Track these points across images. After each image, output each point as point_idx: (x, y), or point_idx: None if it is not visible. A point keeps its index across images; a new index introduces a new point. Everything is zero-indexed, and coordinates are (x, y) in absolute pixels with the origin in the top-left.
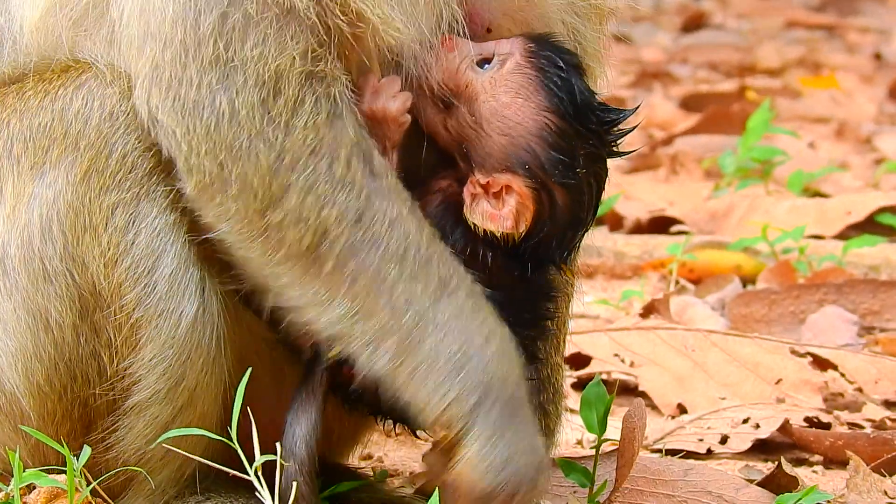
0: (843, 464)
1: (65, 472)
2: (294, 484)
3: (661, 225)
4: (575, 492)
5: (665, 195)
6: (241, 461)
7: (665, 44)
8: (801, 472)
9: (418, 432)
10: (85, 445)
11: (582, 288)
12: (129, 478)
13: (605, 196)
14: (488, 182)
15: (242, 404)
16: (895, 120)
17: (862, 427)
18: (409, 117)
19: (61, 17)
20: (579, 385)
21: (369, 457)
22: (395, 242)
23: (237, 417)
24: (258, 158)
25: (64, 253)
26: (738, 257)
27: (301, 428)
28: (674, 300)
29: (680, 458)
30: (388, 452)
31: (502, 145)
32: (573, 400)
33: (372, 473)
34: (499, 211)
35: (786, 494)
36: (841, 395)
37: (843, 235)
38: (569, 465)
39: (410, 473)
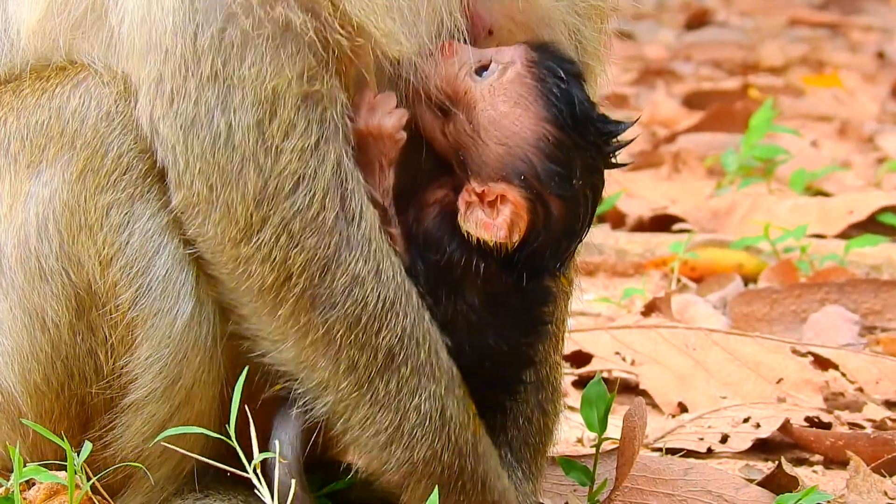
0: (843, 464)
1: (64, 468)
2: (293, 481)
3: (663, 223)
4: (575, 490)
5: (667, 193)
6: (239, 458)
7: (668, 41)
8: (802, 472)
9: None
10: (86, 441)
11: (582, 286)
12: (128, 475)
13: (607, 193)
14: (483, 191)
15: (240, 402)
16: None
17: (862, 427)
18: (404, 135)
19: (59, 21)
20: (580, 383)
21: None
22: (350, 307)
23: (235, 415)
24: (246, 186)
25: (60, 252)
26: (739, 256)
27: (286, 434)
28: (675, 298)
29: (680, 457)
30: None
31: (499, 154)
32: (574, 398)
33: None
34: (493, 220)
35: (786, 494)
36: (842, 394)
37: (845, 235)
38: (569, 464)
39: None
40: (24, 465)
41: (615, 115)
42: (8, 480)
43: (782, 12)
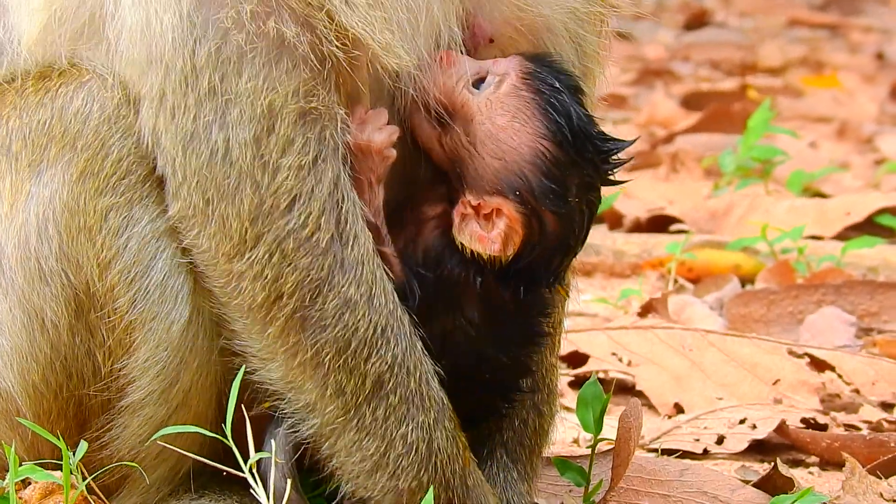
0: (839, 465)
1: (60, 468)
2: (288, 482)
3: (660, 224)
4: (570, 491)
5: (665, 194)
6: (235, 459)
7: (667, 41)
8: (798, 474)
9: None
10: (81, 441)
11: (579, 286)
12: (125, 475)
13: (604, 194)
14: (479, 204)
15: (236, 403)
16: None
17: (858, 429)
18: (394, 152)
19: (59, 34)
20: (576, 383)
21: None
22: (340, 331)
23: (231, 415)
24: (242, 202)
25: (59, 252)
26: (737, 257)
27: (280, 436)
28: (672, 299)
29: (676, 458)
30: None
31: (495, 169)
32: (570, 398)
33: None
34: (487, 233)
35: (782, 496)
36: (838, 396)
37: (842, 236)
38: (564, 464)
39: None
40: (21, 465)
41: (613, 115)
42: (4, 479)
43: (781, 13)
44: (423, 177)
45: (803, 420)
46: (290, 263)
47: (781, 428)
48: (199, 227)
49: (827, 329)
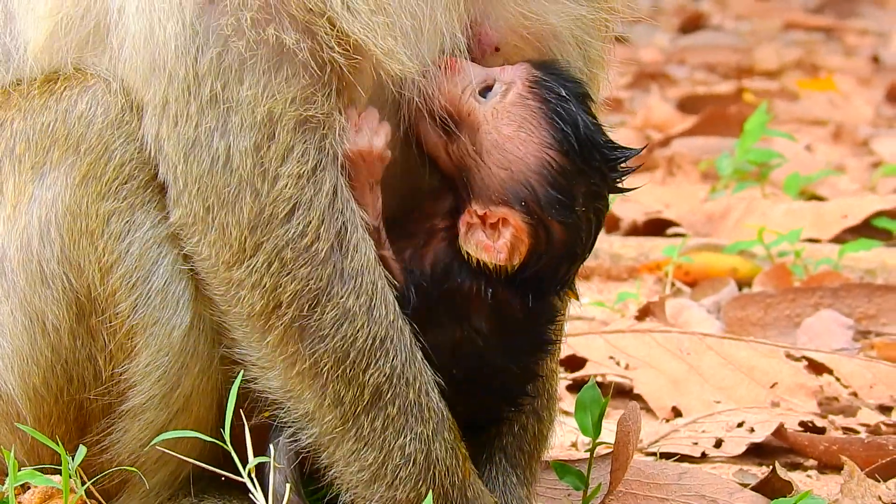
0: (837, 468)
1: (60, 472)
2: (287, 486)
3: (657, 227)
4: (569, 495)
5: (661, 197)
6: (235, 464)
7: (663, 44)
8: (796, 477)
9: None
10: (80, 445)
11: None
12: (124, 480)
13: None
14: (485, 213)
15: (236, 407)
16: (893, 123)
17: (857, 432)
18: (389, 153)
19: (65, 41)
20: (574, 387)
21: None
22: (339, 341)
23: (230, 420)
24: (242, 210)
25: (61, 256)
26: (734, 260)
27: (278, 445)
28: (669, 303)
29: (674, 461)
30: None
31: (501, 179)
32: (568, 402)
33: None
34: (493, 242)
35: (780, 499)
36: (836, 399)
37: (839, 239)
38: (563, 468)
39: None
40: (20, 469)
41: (609, 119)
42: (3, 484)
43: (777, 16)
44: (428, 184)
45: (801, 423)
46: (289, 273)
47: (779, 431)
48: (199, 235)
49: (824, 332)
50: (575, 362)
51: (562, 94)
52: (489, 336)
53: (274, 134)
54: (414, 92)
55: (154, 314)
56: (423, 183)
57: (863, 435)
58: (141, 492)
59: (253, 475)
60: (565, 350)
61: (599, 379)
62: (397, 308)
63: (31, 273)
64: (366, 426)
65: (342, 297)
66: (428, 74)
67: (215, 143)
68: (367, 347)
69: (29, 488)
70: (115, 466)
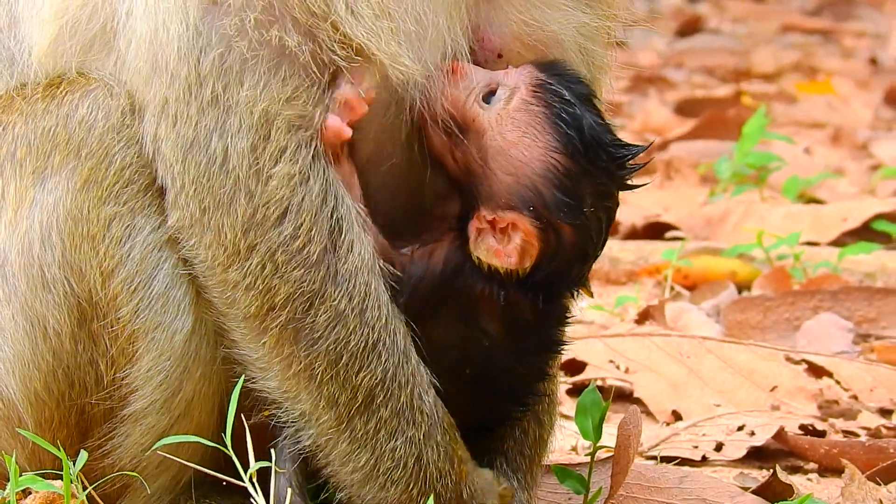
0: (838, 472)
1: (61, 477)
2: (288, 491)
3: (656, 231)
4: (570, 499)
5: (660, 201)
6: (236, 469)
7: (660, 48)
8: (797, 480)
9: None
10: (82, 450)
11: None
12: (126, 485)
13: None
14: (494, 218)
15: (237, 412)
16: (891, 125)
17: (857, 435)
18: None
19: (70, 45)
20: (574, 391)
21: None
22: (332, 344)
23: (231, 424)
24: (237, 211)
25: (62, 260)
26: (733, 263)
27: (282, 445)
28: (669, 306)
29: (675, 465)
30: None
31: (508, 184)
32: (568, 406)
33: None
34: (503, 247)
35: (781, 503)
36: (836, 402)
37: (838, 242)
38: (564, 472)
39: None
40: (22, 474)
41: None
42: (4, 489)
43: (774, 19)
44: (433, 187)
45: (801, 427)
46: (282, 276)
47: (780, 434)
48: (196, 237)
49: (824, 335)
50: (575, 366)
51: (566, 97)
52: (497, 337)
53: (269, 134)
54: (418, 96)
55: (156, 318)
56: (426, 186)
57: (863, 438)
58: (142, 496)
59: (254, 479)
60: (565, 354)
61: (599, 383)
62: (391, 309)
63: (32, 277)
64: (359, 428)
65: (335, 300)
66: (431, 79)
67: (213, 144)
68: (359, 351)
69: (30, 493)
70: (117, 471)
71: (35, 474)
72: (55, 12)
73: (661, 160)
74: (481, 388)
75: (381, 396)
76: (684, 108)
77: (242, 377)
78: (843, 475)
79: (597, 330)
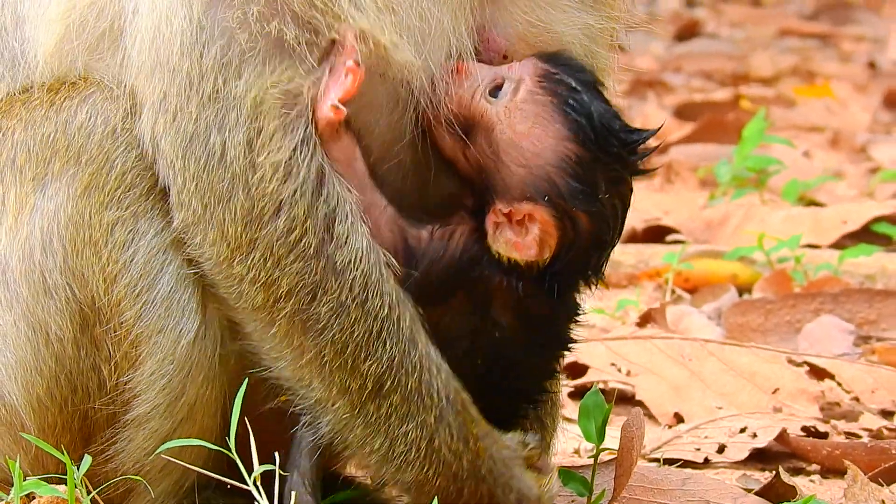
0: (840, 473)
1: (65, 482)
2: (293, 493)
3: (656, 234)
4: (573, 501)
5: (660, 204)
6: (240, 472)
7: (659, 52)
8: (799, 482)
9: None
10: (85, 455)
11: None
12: (129, 489)
13: None
14: (510, 211)
15: (241, 415)
16: (890, 129)
17: (859, 436)
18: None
19: (77, 44)
20: (576, 394)
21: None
22: (337, 334)
23: (235, 428)
24: (236, 206)
25: (64, 266)
26: (733, 266)
27: (306, 440)
28: (670, 309)
29: (677, 467)
30: None
31: (521, 176)
32: (570, 409)
33: (370, 482)
34: (522, 239)
35: None
36: (838, 404)
37: (838, 245)
38: (567, 475)
39: None
40: (25, 479)
41: None
42: (8, 494)
43: (772, 23)
44: (434, 186)
45: (803, 428)
46: (283, 268)
47: (782, 436)
48: (201, 234)
49: (825, 337)
50: (577, 369)
51: (572, 85)
52: (509, 329)
53: (263, 127)
54: (423, 96)
55: (159, 322)
56: (431, 187)
57: (865, 439)
58: (146, 500)
59: (259, 482)
60: (566, 357)
61: (601, 386)
62: (396, 297)
63: (33, 283)
64: (372, 412)
65: (336, 291)
66: (437, 80)
67: (213, 139)
68: (364, 340)
69: (34, 498)
70: (120, 475)
71: (39, 479)
72: (62, 11)
73: (661, 163)
74: (489, 381)
75: (390, 383)
76: (683, 112)
77: (245, 382)
78: (845, 476)
79: (598, 333)
